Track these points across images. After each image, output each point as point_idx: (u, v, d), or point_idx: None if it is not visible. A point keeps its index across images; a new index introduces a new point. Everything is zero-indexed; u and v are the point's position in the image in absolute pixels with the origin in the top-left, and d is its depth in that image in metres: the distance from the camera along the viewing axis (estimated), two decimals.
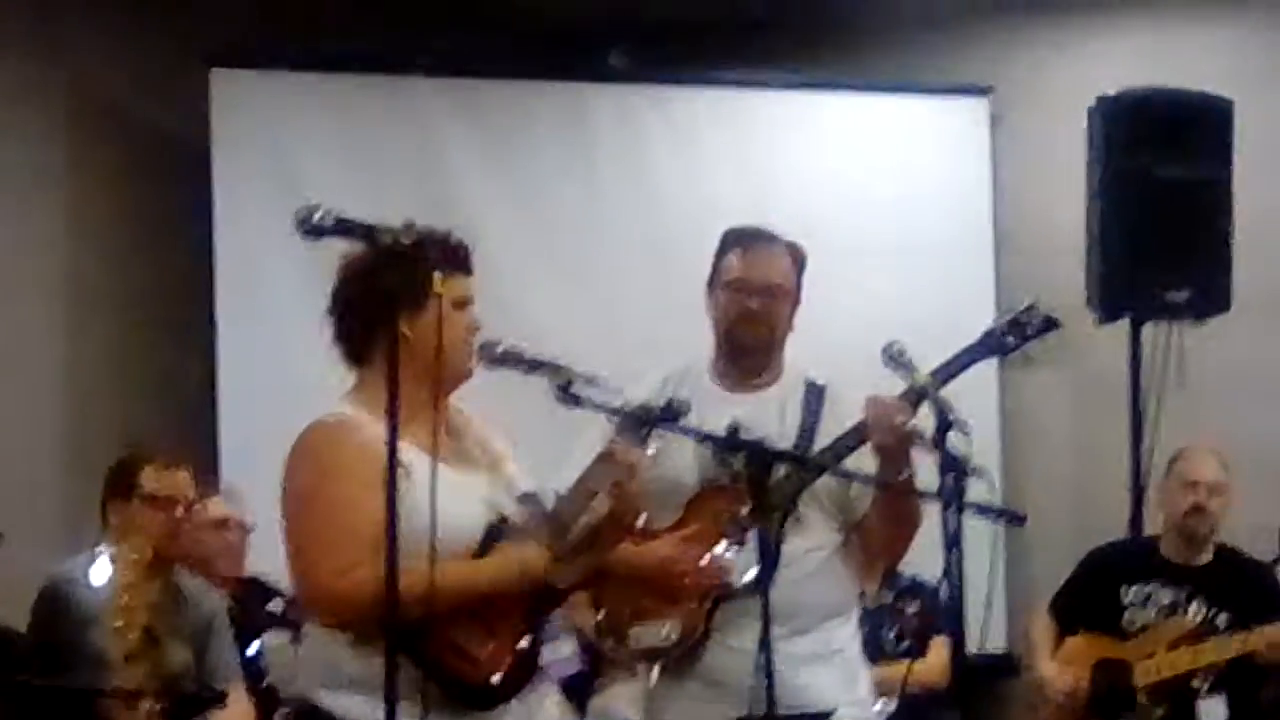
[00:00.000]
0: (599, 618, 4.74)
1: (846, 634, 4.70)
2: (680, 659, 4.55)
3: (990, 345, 4.58)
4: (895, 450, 4.38)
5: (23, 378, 7.03)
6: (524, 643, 3.88)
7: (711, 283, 4.78)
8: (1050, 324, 4.57)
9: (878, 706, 4.74)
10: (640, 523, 4.23)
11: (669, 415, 4.10)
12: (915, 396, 4.37)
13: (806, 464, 4.49)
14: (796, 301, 4.78)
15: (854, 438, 4.47)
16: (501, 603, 3.86)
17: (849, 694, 4.62)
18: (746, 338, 4.72)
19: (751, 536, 4.42)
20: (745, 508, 4.43)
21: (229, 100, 7.42)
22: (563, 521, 3.94)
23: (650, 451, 4.09)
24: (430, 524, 3.56)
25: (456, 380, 3.97)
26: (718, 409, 4.56)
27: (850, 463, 4.48)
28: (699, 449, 4.55)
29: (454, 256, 3.93)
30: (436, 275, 3.71)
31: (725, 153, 7.87)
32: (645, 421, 4.04)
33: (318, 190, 6.56)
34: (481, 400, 4.16)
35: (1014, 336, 4.55)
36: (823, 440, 4.58)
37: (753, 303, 4.69)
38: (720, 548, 4.55)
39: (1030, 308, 4.57)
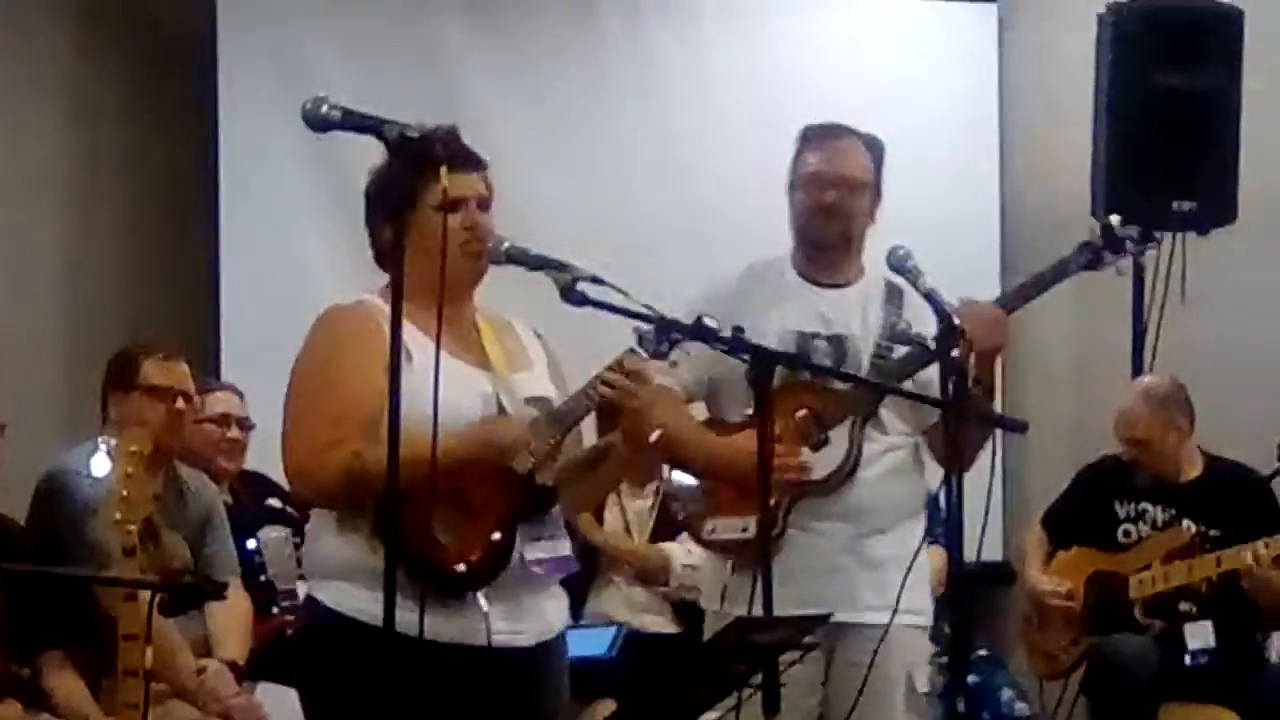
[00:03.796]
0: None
1: (919, 536, 4.61)
2: (756, 554, 4.53)
3: (1084, 259, 4.51)
4: (991, 357, 4.35)
5: (24, 269, 7.02)
6: (496, 535, 3.84)
7: (791, 184, 4.70)
8: (1148, 236, 4.55)
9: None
10: (653, 438, 4.16)
11: (697, 333, 3.97)
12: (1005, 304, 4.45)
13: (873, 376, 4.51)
14: (877, 196, 4.71)
15: (945, 342, 4.27)
16: (483, 496, 3.83)
17: (920, 600, 4.61)
18: (821, 233, 4.66)
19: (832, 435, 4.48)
20: (827, 404, 4.46)
21: None
22: (562, 420, 3.91)
23: (669, 363, 4.05)
24: (432, 408, 3.51)
25: (456, 281, 3.85)
26: (802, 301, 4.56)
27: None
28: (781, 340, 4.47)
29: (458, 152, 3.84)
30: (443, 170, 3.60)
31: (732, 53, 7.81)
32: (669, 333, 3.94)
33: (322, 83, 6.53)
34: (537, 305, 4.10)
35: (1110, 250, 4.48)
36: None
37: (828, 196, 4.62)
38: (800, 446, 4.53)
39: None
